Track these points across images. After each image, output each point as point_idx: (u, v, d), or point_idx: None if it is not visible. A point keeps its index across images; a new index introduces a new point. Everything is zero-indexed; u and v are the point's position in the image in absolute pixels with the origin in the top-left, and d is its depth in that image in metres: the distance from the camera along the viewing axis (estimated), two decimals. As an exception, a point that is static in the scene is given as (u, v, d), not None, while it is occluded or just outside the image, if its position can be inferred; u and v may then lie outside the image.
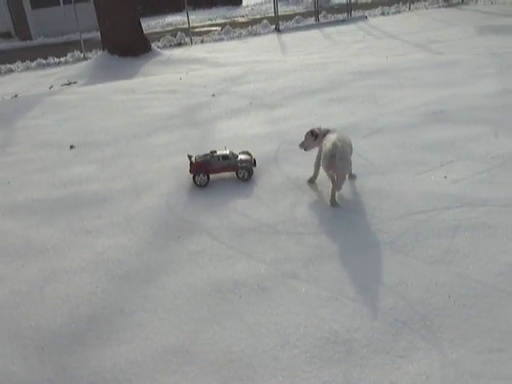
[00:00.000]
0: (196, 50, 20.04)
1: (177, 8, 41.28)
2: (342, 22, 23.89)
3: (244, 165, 5.90)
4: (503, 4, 24.46)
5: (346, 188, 5.50)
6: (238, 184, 5.88)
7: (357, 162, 6.14)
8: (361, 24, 21.87)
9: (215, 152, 5.99)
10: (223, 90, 10.92)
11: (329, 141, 5.13)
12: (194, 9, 41.88)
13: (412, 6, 27.15)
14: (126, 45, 17.71)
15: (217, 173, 5.96)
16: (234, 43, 21.07)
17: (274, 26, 23.40)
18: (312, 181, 5.68)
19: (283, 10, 31.69)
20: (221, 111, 9.22)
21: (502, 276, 3.87)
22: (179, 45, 22.44)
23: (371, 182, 5.64)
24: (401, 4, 27.81)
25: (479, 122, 7.25)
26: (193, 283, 4.19)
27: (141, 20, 18.76)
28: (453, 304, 3.64)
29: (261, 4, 42.87)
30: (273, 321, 3.66)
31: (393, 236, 4.56)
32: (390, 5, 28.12)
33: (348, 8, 25.37)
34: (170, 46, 22.30)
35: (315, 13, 25.13)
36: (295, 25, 24.13)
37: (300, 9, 34.13)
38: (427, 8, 26.57)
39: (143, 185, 6.21)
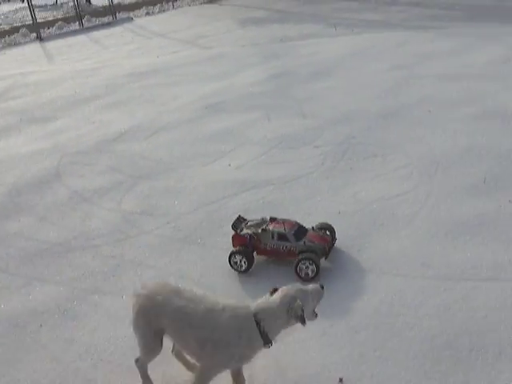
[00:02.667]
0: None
1: None
2: (108, 24, 23.39)
3: (307, 255, 3.80)
4: (257, -3, 26.28)
5: (137, 192, 5.44)
6: (21, 208, 5.44)
7: (142, 164, 6.12)
8: (127, 25, 21.66)
9: (269, 222, 4.06)
10: (-13, 109, 9.94)
11: None
12: None
13: (175, 4, 27.69)
14: None
15: (271, 256, 4.06)
16: (-8, 56, 19.29)
17: (35, 34, 21.98)
18: None
19: (42, 16, 29.88)
20: (-13, 132, 8.39)
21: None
22: None
23: (161, 181, 5.64)
24: (164, 3, 28.19)
25: (252, 109, 7.71)
26: (-17, 324, 3.76)
27: None
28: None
29: (15, 11, 39.86)
30: (81, 342, 3.46)
31: (189, 230, 4.62)
32: (153, 4, 28.31)
33: (112, 10, 24.92)
34: None
35: (78, 17, 24.20)
36: (58, 31, 22.96)
37: (61, 14, 32.58)
38: (190, 5, 27.33)
39: None
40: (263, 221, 4.07)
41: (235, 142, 6.50)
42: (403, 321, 3.29)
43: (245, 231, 3.97)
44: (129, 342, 3.38)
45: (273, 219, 4.06)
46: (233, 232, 4.04)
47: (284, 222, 4.02)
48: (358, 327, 3.29)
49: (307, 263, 3.75)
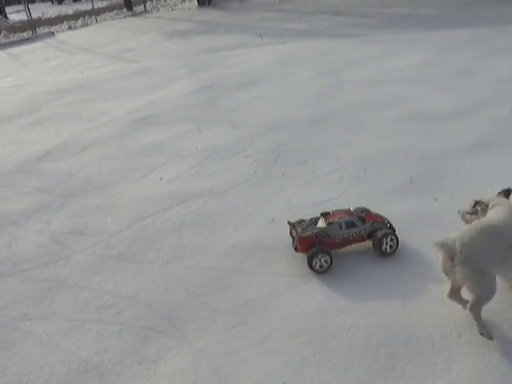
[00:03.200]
0: None
1: None
2: (28, 40, 22.65)
3: (385, 232, 3.91)
4: (182, 10, 26.25)
5: (66, 212, 5.27)
6: None
7: (71, 183, 5.96)
8: (49, 41, 21.06)
9: (323, 217, 4.07)
10: None
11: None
12: None
13: (98, 17, 27.21)
14: None
15: (340, 248, 4.03)
16: None
17: None
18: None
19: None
20: None
21: (228, 258, 4.17)
22: None
23: (91, 199, 5.50)
24: (87, 17, 27.63)
25: (183, 121, 7.67)
26: None
27: None
28: (191, 296, 3.78)
29: None
30: (12, 372, 3.30)
31: (123, 247, 4.52)
32: (76, 19, 27.70)
33: (31, 25, 24.18)
34: None
35: (-5, 34, 23.33)
36: (-26, 49, 22.04)
37: (-22, 31, 31.30)
38: (114, 19, 26.92)
39: None
40: (316, 219, 4.08)
41: (167, 155, 6.43)
42: (341, 322, 3.34)
43: (307, 233, 3.90)
44: (64, 368, 3.27)
45: (325, 214, 4.11)
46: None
47: (338, 212, 4.12)
48: (297, 332, 3.31)
49: (387, 239, 3.87)
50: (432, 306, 3.37)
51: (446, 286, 3.22)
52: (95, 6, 27.97)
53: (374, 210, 4.36)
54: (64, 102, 9.80)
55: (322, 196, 4.95)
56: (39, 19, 29.12)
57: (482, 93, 7.09)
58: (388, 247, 3.90)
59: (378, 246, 3.90)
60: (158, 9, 28.46)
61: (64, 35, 22.46)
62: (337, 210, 4.17)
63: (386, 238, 3.88)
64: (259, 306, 3.59)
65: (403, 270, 3.79)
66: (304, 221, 4.13)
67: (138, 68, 12.24)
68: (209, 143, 6.59)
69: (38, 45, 20.24)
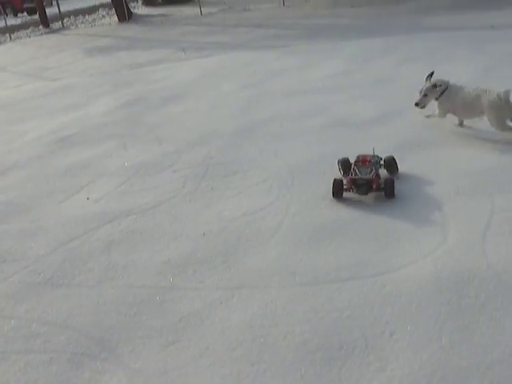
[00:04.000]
0: None
1: None
2: None
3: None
4: (102, 26, 25.81)
5: (-14, 238, 5.03)
6: None
7: (-8, 207, 5.70)
8: (-39, 61, 20.15)
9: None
10: None
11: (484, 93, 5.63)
12: None
13: (13, 35, 26.29)
14: None
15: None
16: None
17: None
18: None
19: None
20: None
21: (160, 275, 4.11)
22: None
23: (13, 224, 5.27)
24: (0, 35, 26.65)
25: (107, 139, 7.52)
26: None
27: None
28: (124, 316, 3.69)
29: None
30: None
31: (50, 272, 4.36)
32: (-12, 37, 26.64)
33: None
34: None
35: None
36: None
37: None
38: (30, 36, 26.09)
39: None
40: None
41: (92, 174, 6.28)
42: (276, 331, 3.36)
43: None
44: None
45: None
46: None
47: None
48: (234, 345, 3.30)
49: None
50: (362, 307, 3.46)
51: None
52: (8, 23, 27.00)
53: (301, 217, 4.44)
54: (-19, 123, 9.38)
55: (252, 206, 4.98)
56: None
57: (399, 98, 7.38)
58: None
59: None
60: (77, 25, 27.82)
61: (-23, 55, 21.53)
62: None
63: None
64: (194, 322, 3.55)
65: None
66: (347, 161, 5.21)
67: (58, 86, 11.90)
68: (135, 160, 6.49)
69: (-52, 65, 19.28)
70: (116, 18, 26.02)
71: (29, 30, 27.54)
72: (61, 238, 4.88)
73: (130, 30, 21.39)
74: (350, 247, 4.15)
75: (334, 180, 4.86)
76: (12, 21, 30.71)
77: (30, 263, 4.52)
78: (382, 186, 4.73)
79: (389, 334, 3.22)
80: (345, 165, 5.21)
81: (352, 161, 5.17)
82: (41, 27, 28.17)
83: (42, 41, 22.91)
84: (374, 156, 5.15)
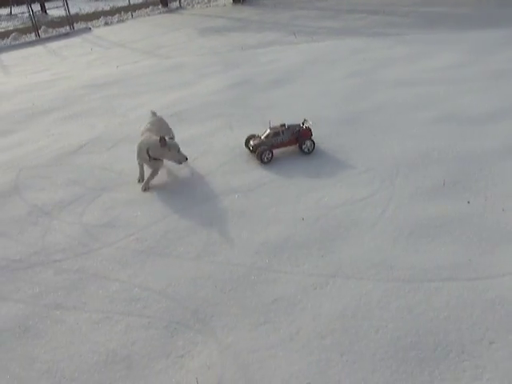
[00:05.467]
0: None
1: None
2: (66, 35, 23.09)
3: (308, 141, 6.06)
4: (217, 7, 26.37)
5: (99, 205, 5.36)
6: (-22, 223, 5.30)
7: (104, 176, 6.06)
8: (86, 36, 21.41)
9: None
10: None
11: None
12: None
13: (134, 14, 27.56)
14: None
15: (275, 148, 6.02)
16: None
17: (-11, 47, 21.51)
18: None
19: (-4, 27, 29.38)
20: None
21: (257, 255, 4.18)
22: None
23: (123, 193, 5.57)
24: (123, 13, 28.02)
25: (214, 118, 7.71)
26: None
27: None
28: (220, 292, 3.80)
29: (-31, 23, 38.95)
30: (43, 360, 3.37)
31: (153, 241, 4.57)
32: (112, 14, 28.11)
33: (69, 21, 24.63)
34: None
35: (34, 28, 23.82)
36: (14, 42, 22.51)
37: (16, 25, 32.01)
38: (149, 15, 27.24)
39: None
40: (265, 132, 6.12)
41: (198, 151, 6.47)
42: (369, 324, 3.31)
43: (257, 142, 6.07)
44: (93, 358, 3.32)
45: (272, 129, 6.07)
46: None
47: (274, 127, 6.10)
48: (324, 332, 3.30)
49: (307, 144, 6.00)
50: (460, 310, 3.32)
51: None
52: (131, 2, 28.29)
53: (403, 211, 4.32)
54: (99, 96, 9.96)
55: (353, 196, 4.92)
56: (77, 15, 29.62)
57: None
58: (306, 149, 5.96)
59: (300, 147, 5.97)
60: (193, 5, 28.66)
61: (100, 31, 22.81)
62: (274, 126, 6.09)
63: (306, 143, 5.95)
64: (286, 305, 3.59)
65: (434, 273, 3.74)
66: (255, 135, 6.21)
67: (171, 64, 12.33)
68: (240, 140, 6.60)
69: (76, 40, 20.61)
70: (230, 0, 26.46)
71: (148, 9, 28.74)
72: (164, 209, 5.09)
73: (244, 11, 21.66)
74: (452, 247, 3.99)
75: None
76: (134, 0, 32.13)
77: (136, 231, 4.76)
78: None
79: (488, 341, 3.07)
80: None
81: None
82: (160, 6, 29.30)
83: (160, 19, 23.81)
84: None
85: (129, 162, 6.35)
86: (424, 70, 8.95)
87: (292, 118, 7.19)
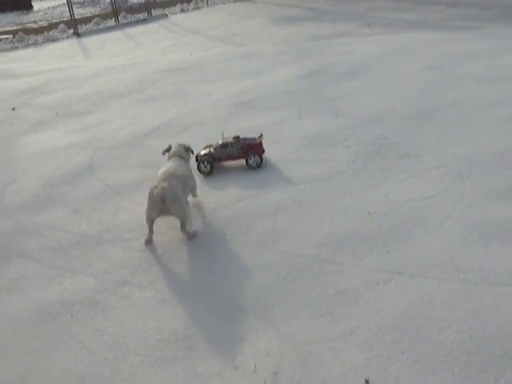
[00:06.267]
0: (-12, 62, 18.39)
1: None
2: (144, 21, 23.68)
3: (255, 155, 5.79)
4: (292, -5, 26.23)
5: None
6: (55, 200, 5.56)
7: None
8: (162, 22, 21.86)
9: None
10: (24, 103, 10.18)
11: (156, 182, 4.41)
12: (-23, 16, 37.99)
13: (210, 1, 27.86)
14: None
15: (222, 161, 5.88)
16: (29, 51, 19.71)
17: (72, 30, 22.38)
18: (148, 241, 4.53)
19: (79, 12, 30.47)
20: (24, 125, 8.59)
21: (321, 246, 4.17)
22: (-34, 57, 20.31)
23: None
24: (199, 0, 28.37)
25: (285, 107, 7.71)
26: (17, 312, 3.86)
27: None
28: (282, 281, 3.83)
29: (54, 8, 40.66)
30: (110, 333, 3.52)
31: (219, 226, 4.65)
32: (188, 2, 28.52)
33: (147, 7, 25.23)
34: (-45, 59, 20.09)
35: (114, 14, 24.56)
36: (95, 27, 23.34)
37: (98, 11, 33.11)
38: (224, 3, 27.44)
39: None
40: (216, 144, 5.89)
41: (266, 139, 6.48)
42: (431, 324, 3.24)
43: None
44: (157, 336, 3.43)
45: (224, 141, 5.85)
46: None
47: (227, 139, 5.86)
48: (385, 329, 3.26)
49: (254, 158, 5.72)
50: (533, 318, 3.19)
51: None
52: (206, -10, 28.58)
53: (473, 211, 4.19)
54: (172, 81, 10.17)
55: (422, 192, 4.80)
56: (155, 1, 30.26)
57: None
58: (254, 164, 5.70)
59: (246, 161, 5.71)
60: (268, -6, 28.59)
61: (176, 17, 23.23)
62: (227, 137, 5.90)
63: (254, 157, 5.68)
64: (348, 298, 3.57)
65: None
66: (211, 145, 5.92)
67: (244, 52, 12.40)
68: (309, 130, 6.58)
69: (153, 26, 21.09)
70: (306, -11, 26.21)
71: (224, -4, 28.90)
72: (232, 196, 5.16)
73: (318, 1, 21.41)
74: (526, 252, 3.83)
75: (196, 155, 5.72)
76: (209, -13, 32.42)
77: (202, 216, 4.86)
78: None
79: (560, 353, 2.94)
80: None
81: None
82: (235, -6, 29.38)
83: (235, 7, 23.95)
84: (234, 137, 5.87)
85: (198, 146, 6.45)
86: (505, 65, 8.55)
87: (364, 110, 7.09)
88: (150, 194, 4.28)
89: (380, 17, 15.54)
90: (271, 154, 6.02)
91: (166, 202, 4.21)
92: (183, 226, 4.42)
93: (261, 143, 5.80)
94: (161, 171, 4.61)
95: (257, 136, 5.93)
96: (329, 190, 5.06)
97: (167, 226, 4.72)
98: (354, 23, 14.84)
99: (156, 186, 4.26)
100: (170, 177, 4.40)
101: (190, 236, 4.46)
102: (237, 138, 5.78)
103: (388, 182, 5.09)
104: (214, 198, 5.14)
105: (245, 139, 5.80)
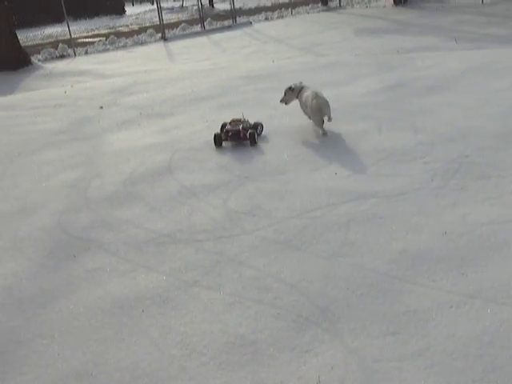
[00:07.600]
0: (80, 62, 19.37)
1: (56, 19, 39.30)
2: (228, 28, 24.19)
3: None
4: (377, 8, 25.95)
5: (243, 192, 5.57)
6: (134, 197, 5.77)
7: (250, 165, 6.29)
8: (246, 29, 22.25)
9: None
10: (111, 102, 10.65)
11: (309, 97, 6.85)
12: (75, 19, 40.18)
13: (294, 10, 28.07)
14: (2, 58, 16.77)
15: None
16: (119, 53, 20.60)
17: (160, 35, 23.18)
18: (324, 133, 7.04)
19: (168, 18, 31.54)
20: (110, 123, 8.99)
21: (393, 263, 4.09)
22: (62, 57, 21.46)
23: (267, 183, 5.74)
24: (283, 9, 28.65)
25: (363, 119, 7.63)
26: (92, 302, 4.03)
27: (16, 32, 17.84)
28: (351, 294, 3.78)
29: (145, 13, 42.37)
30: (178, 331, 3.61)
31: (291, 235, 4.66)
32: (273, 10, 28.87)
33: (233, 14, 25.76)
34: (52, 58, 21.26)
35: (200, 20, 25.25)
36: (181, 32, 24.09)
37: (185, 16, 34.14)
38: (308, 12, 27.57)
39: (31, 205, 5.90)
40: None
41: (343, 151, 6.46)
42: (508, 354, 3.10)
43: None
44: (223, 338, 3.48)
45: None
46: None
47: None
48: (456, 354, 3.15)
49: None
50: None
51: None
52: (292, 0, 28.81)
53: None
54: (253, 87, 10.31)
55: (503, 215, 4.61)
56: (240, 9, 30.83)
57: None
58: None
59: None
60: (353, 5, 28.50)
61: (260, 25, 23.57)
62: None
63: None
64: (418, 319, 3.47)
65: None
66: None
67: (325, 62, 12.39)
68: (387, 144, 6.48)
69: (237, 33, 21.50)
70: (391, 1, 25.89)
71: (308, 7, 29.11)
72: (305, 205, 5.16)
73: (404, 13, 21.09)
74: None
75: (214, 134, 6.95)
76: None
77: (275, 222, 4.89)
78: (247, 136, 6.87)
79: None
80: (222, 126, 7.13)
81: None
82: (319, 4, 29.52)
83: (318, 17, 24.00)
84: (244, 120, 7.15)
85: (274, 153, 6.51)
86: None
87: (445, 127, 6.90)
88: (310, 107, 6.87)
89: (467, 31, 15.10)
90: (347, 166, 5.98)
91: (323, 109, 6.73)
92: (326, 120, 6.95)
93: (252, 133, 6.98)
94: (308, 93, 7.05)
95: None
96: (404, 205, 4.96)
97: (240, 229, 4.78)
98: (438, 37, 14.49)
99: (313, 99, 6.78)
100: (318, 92, 6.91)
101: (324, 132, 7.01)
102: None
103: (467, 202, 4.92)
104: (288, 206, 5.16)
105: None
